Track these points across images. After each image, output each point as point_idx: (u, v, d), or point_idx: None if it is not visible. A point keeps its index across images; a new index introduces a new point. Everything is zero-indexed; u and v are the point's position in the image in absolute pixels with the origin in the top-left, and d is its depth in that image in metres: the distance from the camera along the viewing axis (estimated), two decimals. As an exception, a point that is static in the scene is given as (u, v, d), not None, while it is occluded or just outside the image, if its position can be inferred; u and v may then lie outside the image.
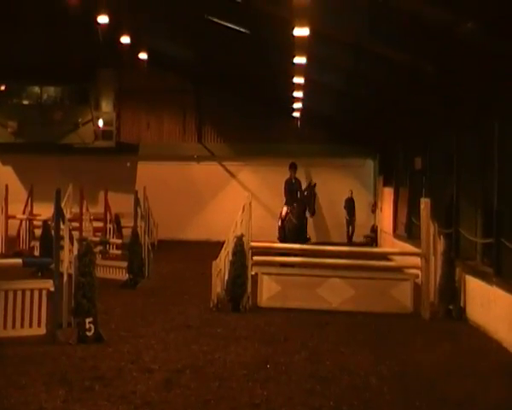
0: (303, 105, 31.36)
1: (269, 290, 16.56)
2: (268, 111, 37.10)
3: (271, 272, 16.78)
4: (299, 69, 22.80)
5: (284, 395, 9.61)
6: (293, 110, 33.49)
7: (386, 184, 33.52)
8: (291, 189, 21.92)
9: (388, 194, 32.09)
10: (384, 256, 22.79)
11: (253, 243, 16.66)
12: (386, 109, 25.50)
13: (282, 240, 21.13)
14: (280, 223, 21.74)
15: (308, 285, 16.43)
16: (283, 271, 17.03)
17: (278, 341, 13.15)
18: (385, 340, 13.55)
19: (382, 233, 33.96)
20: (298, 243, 19.22)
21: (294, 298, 16.35)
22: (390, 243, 29.60)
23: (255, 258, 16.70)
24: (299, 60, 21.33)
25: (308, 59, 21.24)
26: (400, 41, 17.20)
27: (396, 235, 29.01)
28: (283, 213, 21.69)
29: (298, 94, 28.20)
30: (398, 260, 20.86)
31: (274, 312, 15.83)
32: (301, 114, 34.50)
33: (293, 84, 25.74)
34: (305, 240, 21.12)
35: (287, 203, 21.74)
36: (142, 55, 34.90)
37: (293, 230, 21.01)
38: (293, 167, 22.38)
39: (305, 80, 24.81)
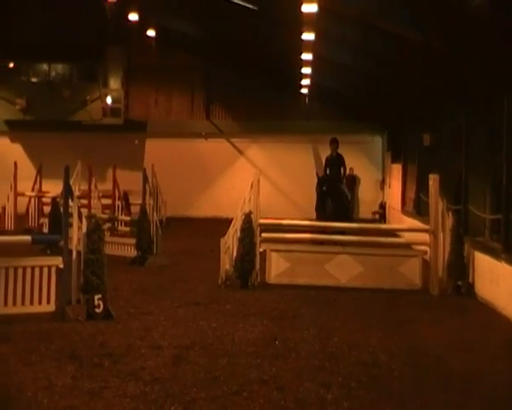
0: (311, 81, 31.27)
1: (277, 267, 16.58)
2: (276, 88, 37.02)
3: (280, 249, 16.79)
4: (308, 45, 22.71)
5: (293, 371, 9.65)
6: (302, 87, 33.38)
7: (394, 160, 33.46)
8: (332, 164, 20.98)
9: (397, 170, 32.04)
10: (392, 233, 22.79)
11: (262, 220, 16.67)
12: (394, 86, 25.42)
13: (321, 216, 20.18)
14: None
15: (316, 262, 16.44)
16: (292, 247, 17.03)
17: (287, 317, 13.18)
18: (393, 316, 13.56)
19: (391, 209, 33.95)
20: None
21: (303, 275, 16.37)
22: (398, 220, 29.59)
23: (263, 235, 16.71)
24: (308, 36, 21.25)
25: (316, 35, 21.17)
26: (410, 17, 17.12)
27: (404, 211, 28.99)
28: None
29: (306, 70, 28.11)
30: (407, 237, 20.86)
31: (282, 288, 15.86)
32: (309, 91, 34.41)
33: (302, 60, 25.65)
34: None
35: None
36: (151, 33, 34.86)
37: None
38: (334, 143, 21.41)
39: (313, 57, 24.73)
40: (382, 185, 37.43)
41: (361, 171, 38.03)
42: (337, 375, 9.47)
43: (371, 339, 11.57)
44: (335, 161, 20.80)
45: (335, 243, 17.43)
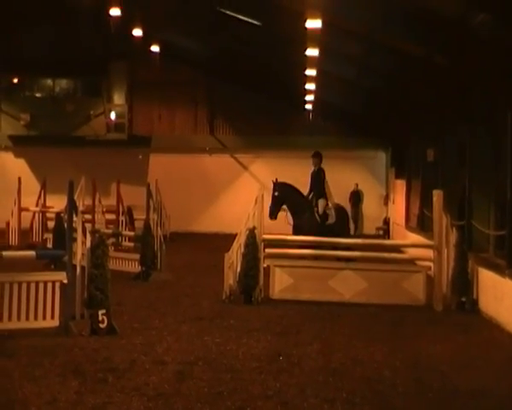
0: (315, 97, 31.33)
1: (281, 283, 16.57)
2: (280, 103, 37.09)
3: (283, 265, 16.79)
4: (312, 61, 22.78)
5: (297, 386, 9.63)
6: (306, 102, 33.45)
7: (398, 176, 33.48)
8: (313, 179, 19.72)
9: (400, 186, 32.05)
10: (396, 248, 22.78)
11: (266, 236, 16.67)
12: (398, 101, 25.45)
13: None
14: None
15: (320, 277, 16.43)
16: (295, 263, 17.02)
17: (290, 333, 13.16)
18: (397, 332, 13.55)
19: (394, 225, 33.93)
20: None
21: (306, 290, 16.37)
22: (402, 235, 29.56)
23: (267, 250, 16.71)
24: (312, 52, 21.32)
25: (320, 51, 21.23)
26: (413, 33, 17.16)
27: (408, 227, 28.97)
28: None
29: (310, 86, 28.18)
30: (411, 253, 20.85)
31: (286, 304, 15.85)
32: (313, 106, 34.49)
33: (306, 76, 25.72)
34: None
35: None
36: (154, 48, 34.93)
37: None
38: (314, 157, 20.36)
39: (317, 72, 24.79)
40: (386, 201, 37.43)
41: (365, 186, 38.04)
42: (341, 391, 9.46)
43: (375, 355, 11.55)
44: (316, 176, 19.71)
45: (339, 258, 17.35)
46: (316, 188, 19.19)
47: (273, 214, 18.92)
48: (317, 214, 18.69)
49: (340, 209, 19.54)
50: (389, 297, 16.09)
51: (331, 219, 18.59)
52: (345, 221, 19.60)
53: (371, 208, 37.96)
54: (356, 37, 20.95)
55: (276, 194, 19.02)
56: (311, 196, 19.17)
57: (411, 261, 19.08)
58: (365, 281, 16.33)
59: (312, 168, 19.93)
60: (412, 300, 16.12)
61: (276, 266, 16.65)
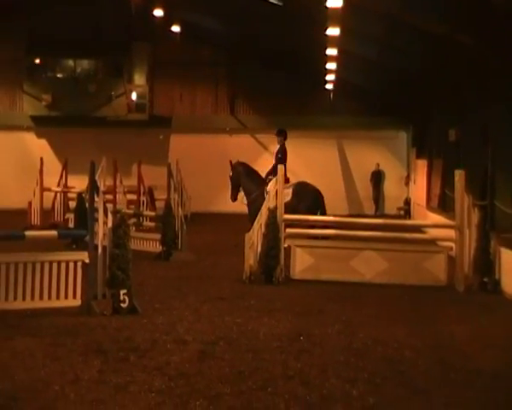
0: (336, 77, 31.22)
1: (302, 263, 16.56)
2: (300, 83, 37.00)
3: (304, 245, 16.77)
4: (332, 41, 22.69)
5: (318, 367, 9.63)
6: (326, 82, 33.34)
7: (419, 156, 33.35)
8: (275, 158, 19.09)
9: (422, 166, 31.91)
10: (417, 228, 22.70)
11: (286, 216, 16.66)
12: (420, 81, 25.31)
13: None
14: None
15: (341, 258, 16.41)
16: (316, 243, 17.00)
17: (311, 313, 13.16)
18: (419, 312, 13.51)
19: (416, 205, 33.82)
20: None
21: (327, 270, 16.35)
22: (423, 216, 29.46)
23: (288, 230, 16.70)
24: (332, 31, 21.23)
25: (341, 30, 21.12)
26: (435, 11, 17.04)
27: (429, 207, 28.87)
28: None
29: (331, 66, 28.07)
30: (432, 233, 20.77)
31: (307, 284, 15.85)
32: (334, 86, 34.36)
33: (326, 55, 25.62)
34: None
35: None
36: (175, 28, 34.93)
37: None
38: (277, 134, 19.93)
39: (338, 52, 24.68)
40: (407, 181, 37.31)
41: (386, 167, 37.98)
42: (362, 371, 9.45)
43: (397, 335, 11.52)
44: (277, 154, 19.22)
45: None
46: (274, 167, 18.48)
47: (231, 196, 19.03)
48: (266, 193, 18.29)
49: (300, 187, 18.65)
50: (410, 278, 16.05)
51: (284, 198, 17.58)
52: (304, 199, 18.74)
53: (392, 189, 37.87)
54: (377, 15, 20.83)
55: (230, 174, 19.07)
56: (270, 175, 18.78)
57: (433, 242, 19.00)
58: (386, 261, 16.30)
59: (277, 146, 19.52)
60: (434, 280, 16.07)
61: (296, 246, 16.64)
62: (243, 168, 19.21)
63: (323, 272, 16.36)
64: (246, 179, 18.91)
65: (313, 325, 12.11)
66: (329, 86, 34.68)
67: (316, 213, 17.86)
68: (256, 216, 17.10)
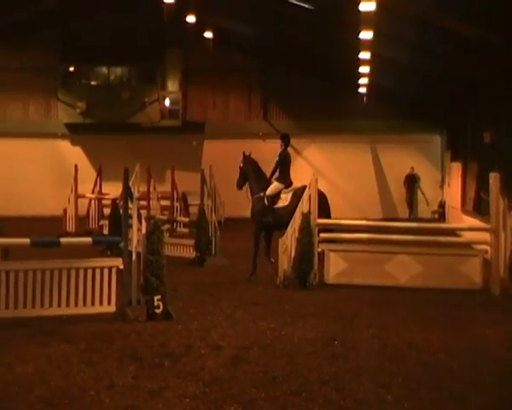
0: (369, 80, 31.15)
1: (335, 267, 16.53)
2: (333, 87, 36.96)
3: (338, 249, 16.74)
4: (365, 44, 22.65)
5: (352, 371, 9.60)
6: (359, 86, 33.27)
7: (453, 159, 33.16)
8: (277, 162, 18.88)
9: (456, 169, 31.72)
10: (452, 232, 22.55)
11: (320, 220, 16.64)
12: (453, 83, 25.17)
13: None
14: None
15: (375, 261, 16.35)
16: (350, 247, 16.96)
17: (345, 317, 13.13)
18: (453, 316, 13.43)
19: (450, 209, 33.61)
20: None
21: (361, 275, 16.29)
22: (458, 219, 29.27)
23: (322, 235, 16.68)
24: (365, 35, 21.19)
25: (374, 34, 21.08)
26: (467, 13, 16.95)
27: (464, 210, 28.68)
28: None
29: (363, 69, 28.02)
30: (467, 236, 20.64)
31: (341, 288, 15.81)
32: (367, 90, 34.27)
33: (359, 59, 25.57)
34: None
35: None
36: (208, 34, 35.05)
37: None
38: (282, 139, 19.71)
39: (370, 55, 24.63)
40: (442, 184, 37.13)
41: (420, 170, 37.81)
42: (397, 375, 9.41)
43: (431, 339, 11.46)
44: (278, 159, 18.99)
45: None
46: (274, 170, 18.66)
47: (238, 185, 19.48)
48: (265, 197, 18.28)
49: (301, 191, 17.78)
50: (445, 281, 15.94)
51: (281, 203, 17.87)
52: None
53: (427, 192, 37.70)
54: (409, 19, 20.76)
55: (241, 166, 19.19)
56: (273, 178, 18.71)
57: (468, 245, 18.87)
58: (421, 265, 16.21)
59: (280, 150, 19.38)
60: (469, 284, 15.95)
61: (330, 250, 16.61)
62: (252, 167, 19.23)
63: (357, 276, 16.31)
64: (252, 178, 18.98)
65: (347, 330, 12.09)
66: (362, 90, 34.60)
67: (320, 217, 17.77)
68: (255, 217, 17.97)
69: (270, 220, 17.92)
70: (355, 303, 14.46)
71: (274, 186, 18.09)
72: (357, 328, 12.24)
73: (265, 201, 18.07)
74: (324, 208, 17.65)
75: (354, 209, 33.78)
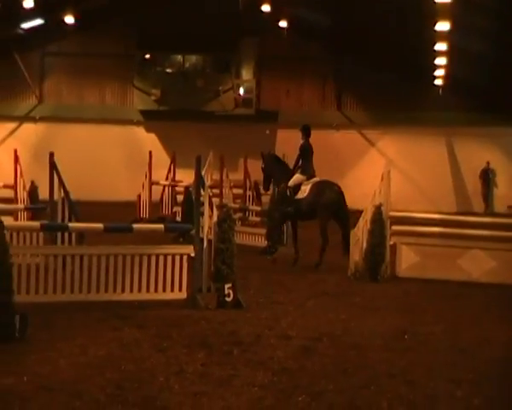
0: (445, 72, 30.76)
1: (407, 260, 16.39)
2: (408, 78, 36.57)
3: (410, 242, 16.59)
4: (442, 35, 22.39)
5: (423, 366, 9.51)
6: (435, 78, 32.88)
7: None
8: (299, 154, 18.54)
9: (534, 164, 31.15)
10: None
11: (392, 213, 16.51)
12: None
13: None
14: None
15: (447, 256, 16.16)
16: (422, 241, 16.79)
17: (416, 311, 13.01)
18: (527, 313, 13.21)
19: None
20: None
21: (433, 268, 16.12)
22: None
23: (394, 227, 16.55)
24: (442, 26, 20.94)
25: (451, 25, 20.81)
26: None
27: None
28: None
29: (439, 61, 27.69)
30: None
31: (412, 282, 15.67)
32: (443, 82, 33.85)
33: (435, 51, 25.28)
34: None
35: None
36: (283, 23, 35.03)
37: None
38: (303, 130, 18.79)
39: (447, 47, 24.32)
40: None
41: (496, 164, 37.22)
42: (468, 371, 9.28)
43: (503, 336, 11.29)
44: (300, 150, 18.61)
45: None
46: (296, 162, 18.57)
47: (264, 186, 19.62)
48: (287, 189, 18.28)
49: (319, 185, 18.01)
50: (519, 277, 15.68)
51: (301, 194, 17.91)
52: (322, 196, 17.83)
53: (503, 187, 37.10)
54: (487, 9, 20.43)
55: (262, 166, 19.15)
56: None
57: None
58: (494, 260, 15.96)
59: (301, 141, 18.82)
60: (544, 280, 15.65)
61: (402, 243, 16.48)
62: (273, 162, 19.25)
63: (429, 270, 16.14)
64: (276, 172, 18.98)
65: (418, 324, 11.98)
66: (438, 82, 34.18)
67: (335, 212, 17.68)
68: (278, 206, 18.14)
69: (291, 211, 18.02)
70: (426, 297, 14.33)
71: (296, 177, 18.18)
72: (427, 322, 12.12)
73: (287, 191, 18.14)
74: (340, 203, 17.59)
75: (427, 202, 33.43)
